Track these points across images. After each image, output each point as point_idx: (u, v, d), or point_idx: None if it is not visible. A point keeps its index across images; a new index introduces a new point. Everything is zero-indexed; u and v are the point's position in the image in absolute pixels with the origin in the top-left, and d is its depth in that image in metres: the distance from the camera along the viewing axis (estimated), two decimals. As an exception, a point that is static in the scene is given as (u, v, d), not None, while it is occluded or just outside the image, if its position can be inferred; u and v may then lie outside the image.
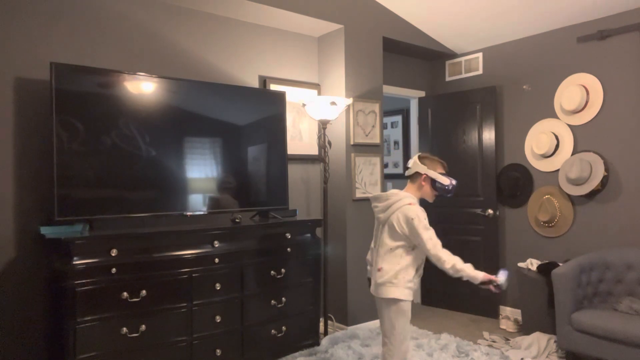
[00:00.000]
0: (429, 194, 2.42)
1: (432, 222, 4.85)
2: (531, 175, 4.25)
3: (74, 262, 2.44)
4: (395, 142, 6.23)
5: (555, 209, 4.02)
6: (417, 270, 2.39)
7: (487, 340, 3.77)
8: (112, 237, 2.62)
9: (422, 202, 2.46)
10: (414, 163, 2.42)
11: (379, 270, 2.38)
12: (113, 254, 2.57)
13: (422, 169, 2.38)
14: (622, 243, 3.64)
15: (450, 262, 2.23)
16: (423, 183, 2.39)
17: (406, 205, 2.33)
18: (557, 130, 4.05)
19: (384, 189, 4.18)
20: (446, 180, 2.36)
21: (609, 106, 3.76)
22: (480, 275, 2.22)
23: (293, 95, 3.91)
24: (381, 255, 2.38)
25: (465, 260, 2.27)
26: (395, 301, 2.32)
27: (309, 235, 3.48)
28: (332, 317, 3.98)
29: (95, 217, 2.80)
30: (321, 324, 3.76)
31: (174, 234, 2.86)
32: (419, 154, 2.48)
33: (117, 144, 2.84)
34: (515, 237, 4.38)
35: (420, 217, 2.29)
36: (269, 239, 3.28)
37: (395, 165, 6.15)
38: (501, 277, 2.21)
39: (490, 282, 2.21)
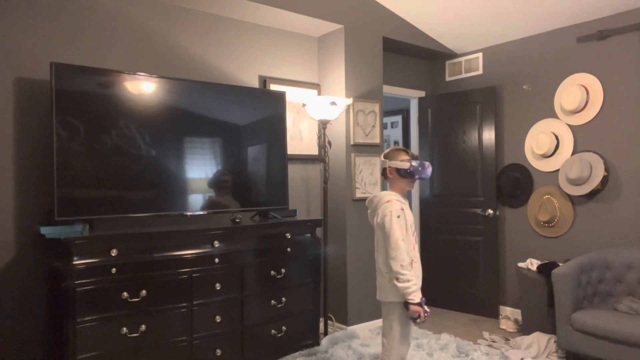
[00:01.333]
0: (403, 182, 2.41)
1: (433, 222, 4.88)
2: (531, 175, 4.25)
3: (74, 262, 2.43)
4: (396, 142, 6.23)
5: (555, 209, 4.02)
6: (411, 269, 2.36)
7: (487, 340, 3.77)
8: (112, 237, 2.62)
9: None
10: (380, 162, 2.46)
11: (378, 273, 2.39)
12: (113, 254, 2.57)
13: (385, 163, 2.41)
14: (622, 243, 3.64)
15: (406, 270, 2.21)
16: (390, 175, 2.41)
17: (384, 204, 2.34)
18: (557, 130, 4.05)
19: (383, 189, 4.18)
20: (405, 164, 2.36)
21: (609, 106, 3.76)
22: (419, 298, 2.21)
23: (293, 95, 3.91)
24: (379, 259, 2.39)
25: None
26: (394, 304, 2.32)
27: (308, 235, 3.48)
28: (332, 317, 3.98)
29: (95, 217, 2.80)
30: (321, 324, 3.76)
31: (174, 234, 2.86)
32: (384, 152, 2.50)
33: (117, 144, 2.84)
34: (515, 237, 4.38)
35: (394, 214, 2.28)
36: (268, 239, 3.28)
37: (395, 165, 6.14)
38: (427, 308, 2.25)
39: (422, 307, 2.22)
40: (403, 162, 2.36)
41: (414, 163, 2.36)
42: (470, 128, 4.58)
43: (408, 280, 2.20)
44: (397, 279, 2.22)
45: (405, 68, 4.89)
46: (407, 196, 2.49)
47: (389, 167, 2.39)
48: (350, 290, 3.95)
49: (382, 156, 2.46)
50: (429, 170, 2.40)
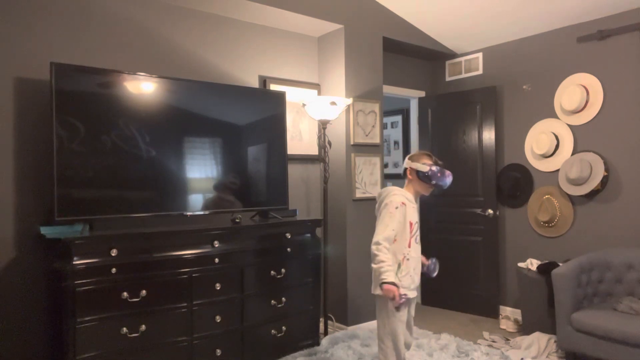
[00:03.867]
0: (420, 185, 2.43)
1: (432, 222, 4.88)
2: (531, 175, 4.25)
3: (74, 262, 2.43)
4: (395, 142, 6.23)
5: (555, 209, 4.02)
6: (401, 264, 2.34)
7: (487, 340, 3.77)
8: (112, 237, 2.62)
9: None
10: (405, 162, 2.50)
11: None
12: (113, 254, 2.57)
13: (408, 163, 2.45)
14: (622, 243, 3.64)
15: (382, 252, 2.25)
16: (410, 176, 2.45)
17: (391, 196, 2.37)
18: (557, 130, 4.05)
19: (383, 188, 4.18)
20: (425, 167, 2.38)
21: (609, 106, 3.76)
22: (392, 278, 2.22)
23: (293, 95, 3.91)
24: None
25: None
26: (381, 298, 2.32)
27: (308, 235, 3.48)
28: (332, 317, 3.98)
29: (95, 217, 2.80)
30: (321, 324, 3.76)
31: (174, 234, 2.86)
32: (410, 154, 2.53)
33: (117, 144, 2.84)
34: (515, 237, 4.38)
35: (392, 204, 2.32)
36: (268, 239, 3.28)
37: (395, 165, 6.15)
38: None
39: (392, 293, 2.21)
40: (424, 165, 2.38)
41: (434, 168, 2.37)
42: (470, 128, 4.59)
43: (381, 261, 2.23)
44: (372, 261, 2.26)
45: (405, 68, 4.89)
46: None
47: (409, 167, 2.43)
48: (350, 290, 3.95)
49: (407, 157, 2.49)
50: (448, 179, 2.39)
